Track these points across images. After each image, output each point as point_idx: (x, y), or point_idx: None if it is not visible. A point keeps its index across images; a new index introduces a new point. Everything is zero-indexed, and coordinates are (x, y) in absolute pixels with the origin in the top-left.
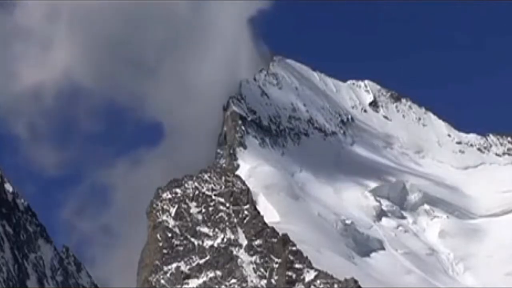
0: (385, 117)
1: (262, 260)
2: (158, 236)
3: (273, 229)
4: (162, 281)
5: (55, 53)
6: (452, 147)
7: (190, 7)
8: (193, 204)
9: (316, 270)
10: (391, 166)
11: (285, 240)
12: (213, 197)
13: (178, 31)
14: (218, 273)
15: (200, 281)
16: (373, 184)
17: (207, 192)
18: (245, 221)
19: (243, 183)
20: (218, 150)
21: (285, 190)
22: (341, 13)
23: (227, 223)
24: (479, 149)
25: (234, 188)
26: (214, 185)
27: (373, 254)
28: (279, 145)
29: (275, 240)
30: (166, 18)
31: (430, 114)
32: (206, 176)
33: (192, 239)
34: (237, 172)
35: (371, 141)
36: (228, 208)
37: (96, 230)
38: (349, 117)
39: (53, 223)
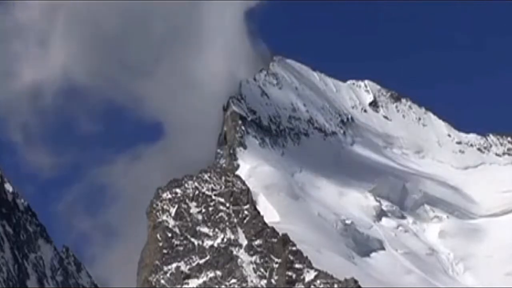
0: (385, 117)
1: (262, 260)
2: (158, 236)
3: (273, 229)
4: (162, 281)
5: (53, 52)
6: (452, 147)
7: (188, 7)
8: (193, 204)
9: (316, 270)
10: (391, 166)
11: (285, 240)
12: (213, 197)
13: (177, 30)
14: (218, 273)
15: (200, 281)
16: (373, 184)
17: (207, 192)
18: (245, 221)
19: (243, 183)
20: (218, 150)
21: (285, 190)
22: (341, 13)
23: (227, 223)
24: (479, 149)
25: (234, 188)
26: (214, 185)
27: (373, 254)
28: (279, 145)
29: (275, 240)
30: (165, 17)
31: (430, 114)
32: (206, 176)
33: (192, 239)
34: (237, 172)
35: (371, 141)
36: (228, 208)
37: (95, 229)
38: (349, 117)
39: (53, 223)
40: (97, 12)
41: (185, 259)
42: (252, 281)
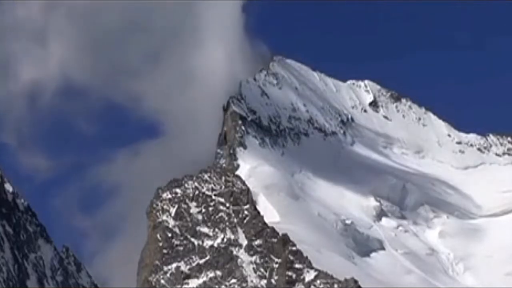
0: (385, 117)
1: (262, 260)
2: (158, 236)
3: (273, 229)
4: (162, 281)
5: (50, 51)
6: (452, 147)
7: (187, 6)
8: (193, 204)
9: (316, 270)
10: (391, 166)
11: (285, 240)
12: (213, 197)
13: (176, 30)
14: (218, 273)
15: (200, 281)
16: (373, 184)
17: (207, 192)
18: (245, 221)
19: (243, 183)
20: (218, 150)
21: (285, 190)
22: (341, 13)
23: (227, 223)
24: (479, 149)
25: (234, 188)
26: (214, 185)
27: (373, 254)
28: (279, 145)
29: (275, 240)
30: (164, 16)
31: (430, 114)
32: (206, 176)
33: (192, 239)
34: (237, 172)
35: (371, 141)
36: (228, 208)
37: (94, 229)
38: (349, 117)
39: (51, 223)
40: (95, 11)
41: (185, 259)
42: (252, 281)
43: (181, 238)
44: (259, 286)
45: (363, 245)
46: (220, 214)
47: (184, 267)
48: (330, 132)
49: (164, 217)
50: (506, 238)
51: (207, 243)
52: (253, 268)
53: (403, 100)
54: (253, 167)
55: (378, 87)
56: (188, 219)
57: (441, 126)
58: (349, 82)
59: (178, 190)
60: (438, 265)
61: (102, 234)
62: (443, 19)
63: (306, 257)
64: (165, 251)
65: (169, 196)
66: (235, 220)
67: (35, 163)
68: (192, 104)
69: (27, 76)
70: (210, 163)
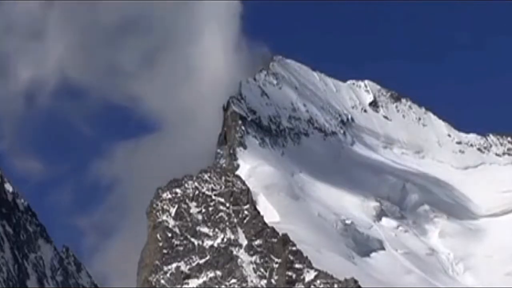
0: (385, 117)
1: (262, 260)
2: (158, 236)
3: (273, 229)
4: (162, 281)
5: (48, 51)
6: (452, 147)
7: (186, 6)
8: (193, 204)
9: (316, 270)
10: (391, 166)
11: (285, 240)
12: (213, 197)
13: (176, 29)
14: (218, 273)
15: (200, 281)
16: (373, 184)
17: (207, 192)
18: (245, 221)
19: (243, 183)
20: (218, 150)
21: (285, 190)
22: (341, 13)
23: (227, 223)
24: (479, 149)
25: (234, 188)
26: (214, 185)
27: (373, 254)
28: (279, 145)
29: (275, 240)
30: (163, 15)
31: (430, 114)
32: (206, 176)
33: (192, 239)
34: (237, 172)
35: (371, 141)
36: (228, 208)
37: (93, 229)
38: (349, 117)
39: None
40: (94, 10)
41: (185, 259)
42: (252, 281)
43: (181, 238)
44: (259, 286)
45: (363, 245)
46: (220, 214)
47: (184, 267)
48: (330, 132)
49: (164, 217)
50: (506, 238)
51: (207, 243)
52: (253, 268)
53: (403, 100)
54: (253, 167)
55: (378, 87)
56: (188, 219)
57: (441, 126)
58: (349, 82)
59: (178, 190)
60: (438, 265)
61: (102, 234)
62: (443, 19)
63: (306, 257)
64: (165, 251)
65: (169, 196)
66: (235, 220)
67: (31, 164)
68: (192, 104)
69: (25, 75)
70: (210, 163)
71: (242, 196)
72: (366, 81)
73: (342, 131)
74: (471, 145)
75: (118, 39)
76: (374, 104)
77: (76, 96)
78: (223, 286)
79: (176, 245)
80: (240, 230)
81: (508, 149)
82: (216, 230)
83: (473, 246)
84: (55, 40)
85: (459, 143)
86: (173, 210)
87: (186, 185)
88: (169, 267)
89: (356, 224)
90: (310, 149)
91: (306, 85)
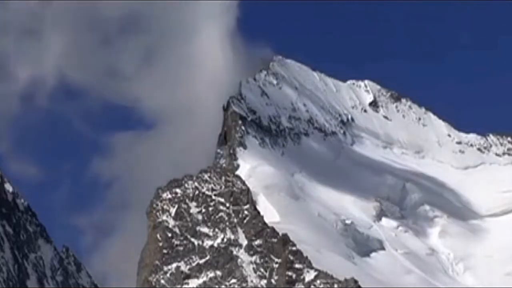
0: (385, 117)
1: (262, 260)
2: (158, 236)
3: (273, 229)
4: (162, 281)
5: (46, 51)
6: (452, 147)
7: (185, 6)
8: (193, 204)
9: (316, 270)
10: (391, 166)
11: (285, 240)
12: (213, 197)
13: (175, 29)
14: (218, 273)
15: (200, 281)
16: (373, 184)
17: (207, 192)
18: (245, 221)
19: (243, 183)
20: (218, 150)
21: (285, 190)
22: (341, 13)
23: (227, 223)
24: (479, 149)
25: (234, 188)
26: (214, 185)
27: (373, 254)
28: (279, 145)
29: (275, 240)
30: (162, 15)
31: (430, 114)
32: (206, 176)
33: (192, 239)
34: (237, 172)
35: (371, 141)
36: (228, 208)
37: (93, 228)
38: (349, 117)
39: (50, 223)
40: (91, 10)
41: (185, 259)
42: (252, 281)
43: (181, 238)
44: (259, 286)
45: (363, 245)
46: (220, 214)
47: (184, 267)
48: (330, 132)
49: (164, 217)
50: (506, 238)
51: (207, 243)
52: (253, 268)
53: (403, 100)
54: (253, 167)
55: (378, 87)
56: (188, 219)
57: (441, 126)
58: (349, 82)
59: (178, 190)
60: (438, 265)
61: (102, 234)
62: (443, 19)
63: (306, 257)
64: (165, 251)
65: (169, 196)
66: (235, 220)
67: (29, 164)
68: (192, 104)
69: (23, 75)
70: (210, 163)
71: (242, 196)
72: (366, 81)
73: (342, 131)
74: (471, 145)
75: (116, 39)
76: (374, 104)
77: (75, 96)
78: (223, 286)
79: (176, 245)
80: (240, 230)
81: (508, 149)
82: (216, 230)
83: (473, 246)
84: (53, 39)
85: (459, 143)
86: (173, 210)
87: (186, 185)
88: (169, 267)
89: (356, 224)
90: (310, 149)
91: (306, 85)
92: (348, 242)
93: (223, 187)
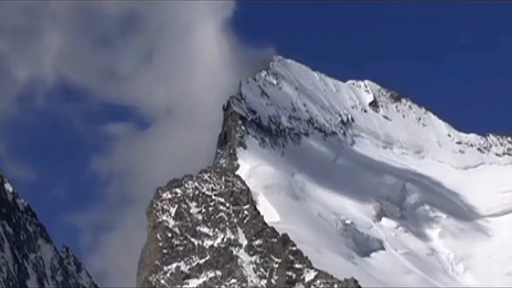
0: (385, 117)
1: (262, 260)
2: (158, 236)
3: (273, 229)
4: (162, 281)
5: (44, 51)
6: (452, 147)
7: (184, 6)
8: (193, 204)
9: (316, 270)
10: (391, 166)
11: (285, 240)
12: (213, 197)
13: (175, 28)
14: (218, 273)
15: (200, 281)
16: (373, 184)
17: (207, 192)
18: (245, 221)
19: (243, 183)
20: (218, 150)
21: (285, 190)
22: (341, 13)
23: (227, 223)
24: (479, 149)
25: (234, 188)
26: (214, 185)
27: (373, 254)
28: (279, 145)
29: (275, 240)
30: (161, 15)
31: (430, 114)
32: (206, 176)
33: (192, 239)
34: (237, 172)
35: (371, 141)
36: (228, 208)
37: (92, 228)
38: (349, 117)
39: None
40: (89, 10)
41: (185, 259)
42: (252, 281)
43: (181, 238)
44: (259, 286)
45: (363, 245)
46: (220, 214)
47: (184, 267)
48: (330, 132)
49: (164, 217)
50: (506, 238)
51: (207, 243)
52: (253, 268)
53: (403, 100)
54: (253, 167)
55: (378, 87)
56: (188, 219)
57: (441, 126)
58: (349, 82)
59: (178, 190)
60: (438, 265)
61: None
62: (444, 19)
63: (306, 257)
64: (165, 251)
65: (169, 196)
66: (235, 220)
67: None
68: (192, 104)
69: (21, 75)
70: (210, 163)
71: (242, 196)
72: (366, 81)
73: (342, 131)
74: (471, 145)
75: (114, 39)
76: (374, 104)
77: (73, 96)
78: (223, 286)
79: (176, 245)
80: (240, 230)
81: (508, 149)
82: (216, 230)
83: (473, 246)
84: (51, 40)
85: (459, 143)
86: (173, 210)
87: (186, 185)
88: (169, 267)
89: (356, 224)
90: (310, 149)
91: (306, 85)
92: (348, 242)
93: (223, 187)
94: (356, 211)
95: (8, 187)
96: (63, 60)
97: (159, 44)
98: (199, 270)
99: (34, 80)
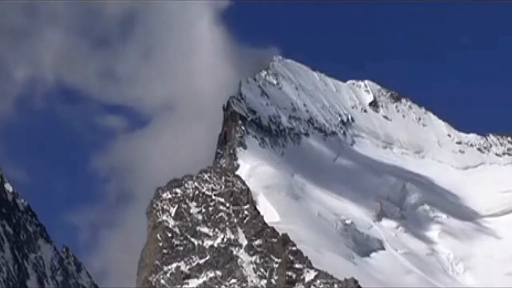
0: (385, 117)
1: (262, 260)
2: (158, 236)
3: (273, 229)
4: (162, 281)
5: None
6: (452, 147)
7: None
8: (193, 204)
9: (316, 270)
10: (391, 166)
11: (285, 240)
12: (213, 197)
13: (175, 28)
14: (218, 273)
15: (200, 281)
16: (373, 184)
17: (207, 192)
18: (245, 221)
19: (243, 183)
20: (218, 150)
21: (285, 190)
22: (341, 13)
23: (227, 223)
24: (479, 149)
25: (234, 188)
26: (214, 185)
27: (373, 254)
28: (279, 145)
29: (275, 240)
30: (160, 16)
31: (430, 114)
32: (206, 176)
33: (192, 239)
34: (237, 172)
35: (371, 141)
36: (228, 208)
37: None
38: (349, 117)
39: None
40: (88, 10)
41: (185, 259)
42: (252, 281)
43: (181, 238)
44: (259, 286)
45: (363, 245)
46: (220, 214)
47: (184, 267)
48: (330, 132)
49: (164, 217)
50: (506, 238)
51: (207, 243)
52: (253, 268)
53: (403, 100)
54: (253, 167)
55: (378, 87)
56: (188, 219)
57: (441, 126)
58: (349, 82)
59: (178, 190)
60: (438, 265)
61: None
62: (444, 19)
63: (306, 257)
64: (165, 251)
65: (169, 196)
66: (235, 220)
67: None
68: (192, 104)
69: (20, 76)
70: (210, 163)
71: (242, 196)
72: (366, 81)
73: (342, 131)
74: (471, 145)
75: (114, 40)
76: (374, 104)
77: (72, 96)
78: (223, 286)
79: (176, 245)
80: (240, 230)
81: (508, 149)
82: (216, 230)
83: (473, 246)
84: (50, 40)
85: (459, 143)
86: (173, 210)
87: (186, 185)
88: (169, 267)
89: (356, 224)
90: (310, 149)
91: (306, 85)
92: (348, 242)
93: (223, 187)
94: (356, 211)
95: (8, 187)
96: (62, 61)
97: (158, 44)
98: (199, 270)
99: (33, 80)
